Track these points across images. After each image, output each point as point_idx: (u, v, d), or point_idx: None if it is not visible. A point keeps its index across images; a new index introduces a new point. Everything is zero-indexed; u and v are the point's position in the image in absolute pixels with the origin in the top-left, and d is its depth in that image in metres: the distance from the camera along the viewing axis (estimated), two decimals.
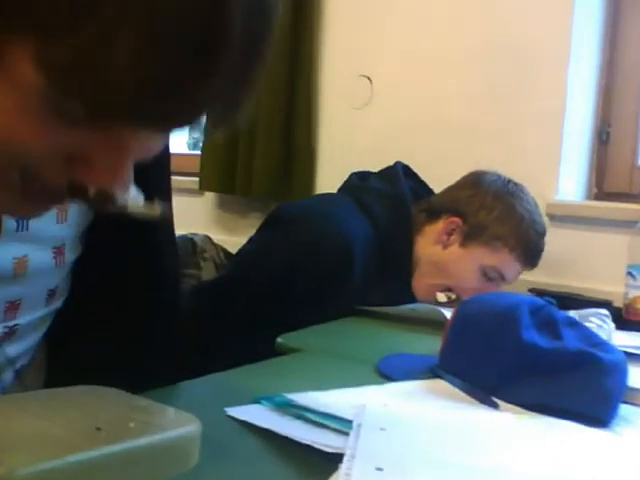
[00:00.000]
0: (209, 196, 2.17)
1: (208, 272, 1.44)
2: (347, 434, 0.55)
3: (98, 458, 0.45)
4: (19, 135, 0.41)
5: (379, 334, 1.19)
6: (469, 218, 1.37)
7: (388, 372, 0.84)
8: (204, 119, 0.44)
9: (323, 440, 0.54)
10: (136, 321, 0.72)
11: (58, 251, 0.65)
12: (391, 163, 1.51)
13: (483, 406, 0.71)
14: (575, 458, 0.60)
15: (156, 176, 0.68)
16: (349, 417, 0.59)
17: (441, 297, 1.40)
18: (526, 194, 1.41)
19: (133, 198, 0.50)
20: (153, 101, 0.38)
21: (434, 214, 1.41)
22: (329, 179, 1.71)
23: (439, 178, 1.47)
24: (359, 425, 0.55)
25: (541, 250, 1.40)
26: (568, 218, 1.61)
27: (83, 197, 0.47)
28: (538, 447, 0.61)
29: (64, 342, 0.70)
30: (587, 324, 0.90)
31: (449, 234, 1.38)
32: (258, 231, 1.42)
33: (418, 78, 1.82)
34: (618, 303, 1.38)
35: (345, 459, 0.49)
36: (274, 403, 0.67)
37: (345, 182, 1.55)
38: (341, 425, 0.58)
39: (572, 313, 0.94)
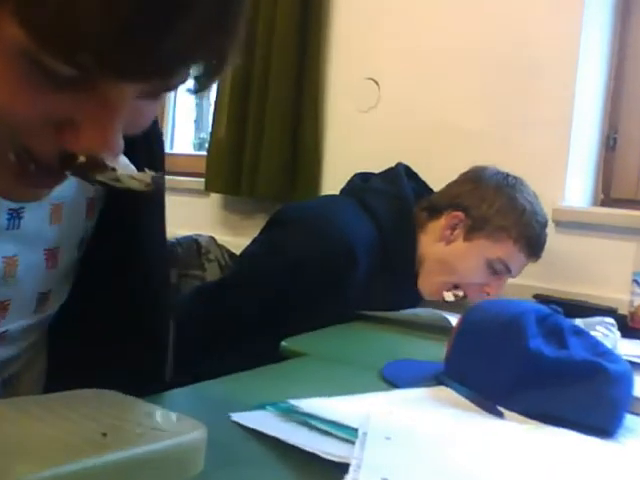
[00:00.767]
0: (214, 197, 2.17)
1: (212, 273, 1.44)
2: (352, 443, 0.55)
3: (104, 465, 0.45)
4: (7, 101, 0.41)
5: (383, 339, 1.19)
6: (471, 211, 1.38)
7: (393, 378, 0.84)
8: (184, 76, 0.44)
9: (328, 449, 0.54)
10: (129, 320, 0.71)
11: (50, 253, 0.64)
12: None
13: (488, 415, 0.70)
14: (580, 468, 0.60)
15: (147, 150, 0.68)
16: (354, 425, 0.59)
17: (448, 296, 1.40)
18: (526, 186, 1.42)
19: (124, 167, 0.50)
20: (128, 48, 0.38)
21: (436, 211, 1.42)
22: (335, 181, 1.71)
23: (445, 182, 1.47)
24: (364, 434, 0.55)
25: (544, 240, 1.40)
26: (574, 224, 1.60)
27: (73, 167, 0.47)
28: (543, 457, 0.61)
29: (63, 346, 0.69)
30: (593, 333, 0.90)
31: (452, 229, 1.39)
32: (261, 232, 1.42)
33: (425, 82, 1.82)
34: (623, 310, 1.38)
35: (351, 469, 0.49)
36: (279, 409, 0.67)
37: (348, 183, 1.55)
38: (346, 433, 0.57)
39: (578, 321, 0.94)
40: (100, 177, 0.48)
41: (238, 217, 2.13)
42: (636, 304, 1.33)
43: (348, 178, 1.58)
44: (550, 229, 1.54)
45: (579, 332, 0.80)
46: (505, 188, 1.39)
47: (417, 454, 0.55)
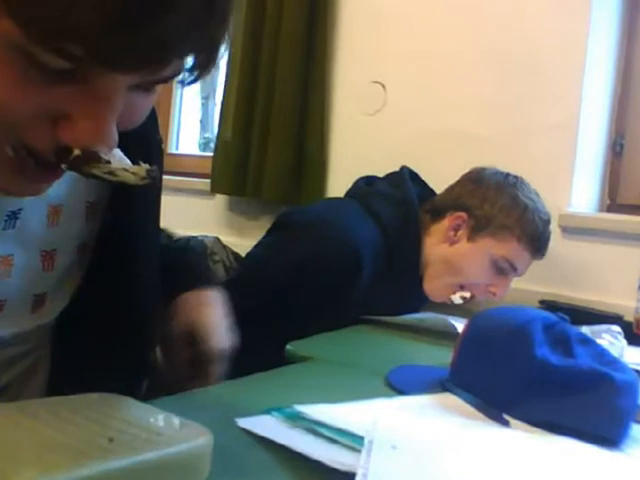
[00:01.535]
0: (220, 198, 2.17)
1: (217, 274, 1.44)
2: (359, 451, 0.55)
3: (110, 471, 0.45)
4: (3, 95, 0.41)
5: (388, 344, 1.19)
6: (474, 211, 1.38)
7: (398, 384, 0.84)
8: (176, 68, 0.44)
9: (335, 457, 0.53)
10: (120, 326, 0.71)
11: (47, 255, 0.64)
12: None
13: (494, 423, 0.70)
14: (585, 478, 0.60)
15: (145, 146, 0.67)
16: (360, 433, 0.59)
17: (456, 299, 1.40)
18: (526, 185, 1.42)
19: (118, 160, 0.50)
20: (116, 37, 0.38)
21: (439, 213, 1.42)
22: (339, 184, 1.71)
23: None
24: (371, 442, 0.55)
25: (548, 238, 1.41)
26: (580, 230, 1.60)
27: (69, 160, 0.47)
28: (548, 466, 0.61)
29: (66, 354, 0.68)
30: (599, 341, 0.90)
31: (456, 230, 1.39)
32: (266, 235, 1.42)
33: (431, 85, 1.82)
34: (629, 317, 1.37)
35: (357, 478, 0.49)
36: (285, 415, 0.67)
37: (352, 187, 1.56)
38: (352, 441, 0.57)
39: (584, 329, 0.93)
40: (95, 171, 0.48)
41: (243, 218, 2.13)
42: None
43: (353, 181, 1.58)
44: (556, 235, 1.54)
45: (585, 340, 0.80)
46: (506, 187, 1.40)
47: (423, 464, 0.55)
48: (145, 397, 1.16)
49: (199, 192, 2.19)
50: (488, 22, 1.74)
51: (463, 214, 1.39)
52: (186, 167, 2.38)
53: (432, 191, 1.54)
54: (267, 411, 0.69)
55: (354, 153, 1.93)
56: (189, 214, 2.07)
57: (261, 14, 2.00)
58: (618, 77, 1.74)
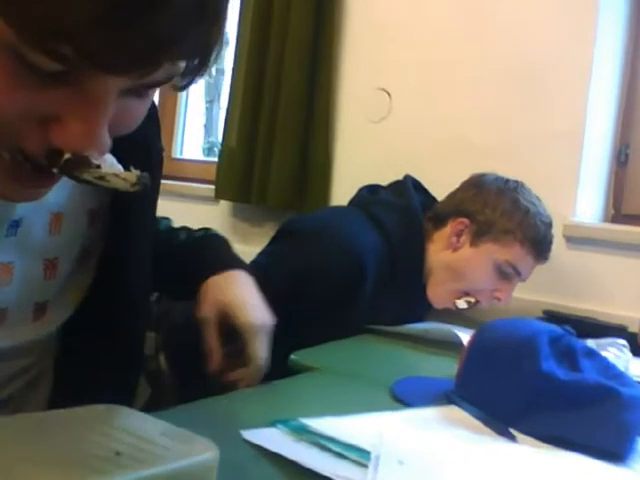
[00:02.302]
0: (224, 204, 2.17)
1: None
2: (365, 465, 0.55)
3: None
4: None
5: (392, 354, 1.19)
6: (476, 217, 1.39)
7: (403, 396, 0.84)
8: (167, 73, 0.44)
9: (341, 472, 0.53)
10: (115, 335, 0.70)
11: (49, 263, 0.63)
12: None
13: (500, 437, 0.70)
14: None
15: (145, 152, 0.67)
16: (367, 447, 0.59)
17: (461, 304, 1.40)
18: (527, 189, 1.43)
19: (109, 165, 0.49)
20: (105, 38, 0.38)
21: (440, 220, 1.43)
22: (344, 192, 1.71)
23: None
24: (377, 457, 0.54)
25: (550, 241, 1.41)
26: (585, 240, 1.59)
27: (60, 164, 0.47)
28: None
29: (68, 367, 0.68)
30: (604, 353, 0.89)
31: (458, 235, 1.40)
32: (270, 243, 1.42)
33: (436, 94, 1.82)
34: (633, 328, 1.37)
35: None
36: (290, 427, 0.67)
37: (355, 195, 1.56)
38: (359, 455, 0.57)
39: (590, 342, 0.93)
40: (86, 176, 0.48)
41: (247, 225, 2.13)
42: None
43: (357, 188, 1.58)
44: (560, 245, 1.54)
45: (591, 353, 0.80)
46: (507, 191, 1.41)
47: (429, 479, 0.55)
48: (148, 404, 1.16)
49: (203, 198, 2.19)
50: (494, 31, 1.74)
51: (465, 220, 1.39)
52: (190, 173, 2.38)
53: (435, 200, 1.54)
54: (272, 423, 0.69)
55: (359, 161, 1.93)
56: (193, 220, 2.06)
57: (267, 21, 2.00)
58: (623, 87, 1.74)
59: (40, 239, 0.62)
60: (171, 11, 0.39)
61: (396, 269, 1.37)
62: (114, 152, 0.62)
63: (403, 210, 1.43)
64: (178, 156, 2.51)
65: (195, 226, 2.04)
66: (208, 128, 3.63)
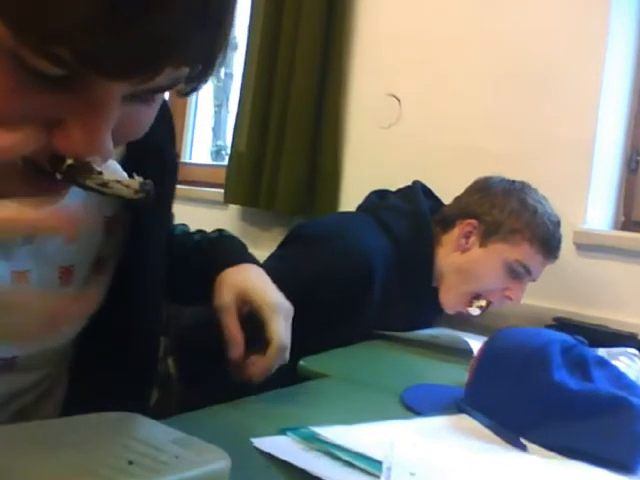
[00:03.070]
0: (233, 209, 2.18)
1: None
2: (376, 476, 0.55)
3: None
4: None
5: (402, 361, 1.19)
6: (484, 217, 1.39)
7: (413, 404, 0.84)
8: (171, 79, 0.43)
9: None
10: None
11: (65, 271, 0.63)
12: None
13: (511, 447, 0.70)
14: None
15: (159, 158, 0.66)
16: (378, 457, 0.59)
17: (474, 310, 1.40)
18: (533, 189, 1.43)
19: (112, 172, 0.48)
20: (103, 41, 0.37)
21: (448, 223, 1.43)
22: (353, 197, 1.71)
23: None
24: (389, 469, 0.54)
25: (559, 239, 1.40)
26: (595, 247, 1.58)
27: (62, 170, 0.46)
28: None
29: (81, 378, 0.68)
30: (615, 362, 0.89)
31: (467, 237, 1.40)
32: (279, 248, 1.42)
33: (446, 101, 1.82)
34: None
35: None
36: (300, 435, 0.67)
37: (364, 201, 1.56)
38: (370, 466, 0.57)
39: (601, 351, 0.93)
40: (89, 182, 0.47)
41: (256, 229, 2.13)
42: None
43: (367, 194, 1.58)
44: (570, 251, 1.54)
45: (603, 363, 0.80)
46: (514, 192, 1.41)
47: None
48: (156, 408, 1.16)
49: (212, 202, 2.19)
50: (504, 38, 1.74)
51: (473, 221, 1.40)
52: (199, 176, 2.38)
53: (444, 205, 1.54)
54: (282, 431, 0.69)
55: (368, 166, 1.93)
56: (201, 223, 2.06)
57: (277, 26, 2.01)
58: (634, 94, 1.73)
59: (56, 246, 0.62)
60: (173, 14, 0.38)
61: (405, 274, 1.37)
62: (125, 157, 0.62)
63: (412, 215, 1.43)
64: (187, 160, 2.52)
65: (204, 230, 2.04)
66: (216, 132, 3.64)
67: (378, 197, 1.54)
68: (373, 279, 1.28)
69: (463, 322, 1.45)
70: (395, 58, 1.91)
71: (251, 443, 0.66)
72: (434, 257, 1.42)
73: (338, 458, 0.61)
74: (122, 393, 0.65)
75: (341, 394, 0.92)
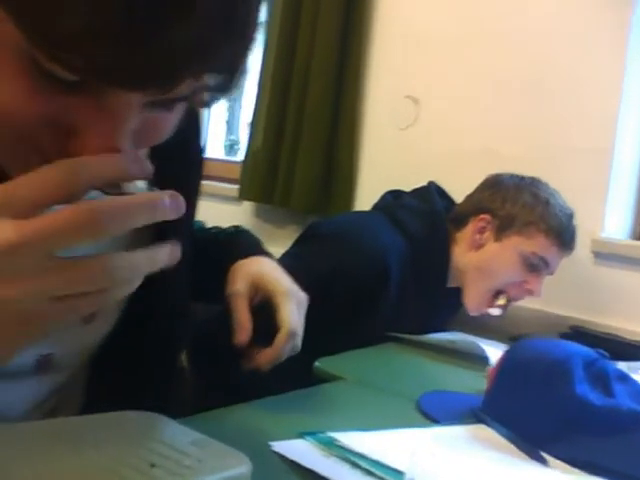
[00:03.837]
0: (247, 205, 2.17)
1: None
2: None
3: None
4: (11, 101, 0.40)
5: (418, 365, 1.18)
6: (497, 212, 1.39)
7: (431, 412, 0.83)
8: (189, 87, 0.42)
9: None
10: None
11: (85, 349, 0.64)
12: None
13: (531, 460, 0.69)
14: None
15: (184, 159, 0.65)
16: (398, 467, 0.58)
17: (495, 310, 1.39)
18: (544, 183, 1.43)
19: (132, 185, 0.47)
20: (117, 53, 0.36)
21: (461, 220, 1.43)
22: (368, 197, 1.70)
23: None
24: None
25: (574, 231, 1.40)
26: (613, 256, 1.57)
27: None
28: None
29: (102, 379, 0.67)
30: (635, 376, 0.88)
31: (481, 233, 1.39)
32: (294, 246, 1.42)
33: (465, 104, 1.80)
34: None
35: None
36: (319, 440, 0.67)
37: (379, 200, 1.56)
38: (391, 475, 0.56)
39: (621, 365, 0.92)
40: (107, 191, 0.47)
41: (270, 226, 2.12)
42: None
43: (382, 194, 1.58)
44: (588, 260, 1.52)
45: (623, 377, 0.79)
46: (525, 186, 1.41)
47: None
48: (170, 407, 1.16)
49: (226, 198, 2.19)
50: (525, 42, 1.72)
51: (486, 216, 1.40)
52: (213, 171, 2.38)
53: (456, 204, 1.53)
54: (301, 435, 0.68)
55: (384, 166, 1.92)
56: (215, 219, 2.07)
57: (295, 26, 2.00)
58: None
59: (76, 331, 0.61)
60: (194, 25, 0.37)
61: (419, 272, 1.37)
62: (149, 151, 0.62)
63: (427, 214, 1.43)
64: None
65: (217, 225, 2.04)
66: (230, 126, 3.64)
67: (393, 197, 1.54)
68: (389, 276, 1.28)
69: (478, 326, 1.44)
70: (413, 59, 1.89)
71: (269, 446, 0.65)
72: (449, 256, 1.41)
73: (358, 466, 0.60)
74: (141, 392, 0.65)
75: (357, 398, 0.92)
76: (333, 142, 1.96)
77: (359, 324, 1.27)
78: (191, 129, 0.70)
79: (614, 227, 1.65)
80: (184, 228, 0.73)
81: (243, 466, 0.52)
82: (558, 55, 1.67)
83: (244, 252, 0.89)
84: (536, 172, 1.62)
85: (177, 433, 0.56)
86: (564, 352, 0.76)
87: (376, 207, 1.54)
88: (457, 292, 1.43)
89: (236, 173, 2.17)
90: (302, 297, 0.85)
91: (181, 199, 0.41)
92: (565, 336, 1.43)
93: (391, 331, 1.32)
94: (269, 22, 2.10)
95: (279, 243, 1.63)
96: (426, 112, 1.87)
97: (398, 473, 0.57)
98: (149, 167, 0.42)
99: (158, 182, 0.50)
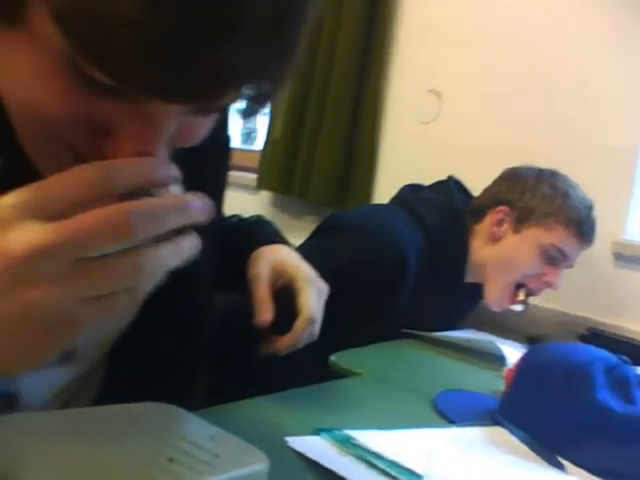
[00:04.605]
0: (265, 195, 2.17)
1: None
2: None
3: None
4: (49, 100, 0.40)
5: (433, 362, 1.17)
6: (515, 203, 1.38)
7: (447, 411, 0.82)
8: (231, 95, 0.41)
9: None
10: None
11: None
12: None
13: (549, 466, 0.68)
14: None
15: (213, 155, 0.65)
16: (415, 468, 0.58)
17: (517, 307, 1.38)
18: (563, 175, 1.42)
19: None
20: (160, 68, 0.36)
21: (479, 213, 1.42)
22: (387, 191, 1.68)
23: None
24: None
25: (593, 223, 1.39)
26: (634, 259, 1.55)
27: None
28: None
29: (118, 371, 0.67)
30: None
31: (499, 225, 1.38)
32: (311, 237, 1.41)
33: (488, 99, 1.78)
34: None
35: None
36: (335, 437, 0.66)
37: (397, 194, 1.55)
38: (407, 476, 0.56)
39: None
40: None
41: (287, 216, 2.12)
42: None
43: (400, 188, 1.56)
44: (609, 262, 1.50)
45: None
46: (544, 178, 1.40)
47: None
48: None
49: (244, 187, 2.18)
50: (550, 38, 1.70)
51: (504, 208, 1.38)
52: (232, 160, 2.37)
53: (474, 198, 1.52)
54: (317, 431, 0.68)
55: (404, 161, 1.90)
56: (232, 208, 2.06)
57: (319, 18, 1.98)
58: None
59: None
60: (242, 41, 0.36)
61: (436, 265, 1.36)
62: None
63: (446, 208, 1.42)
64: None
65: (234, 214, 2.04)
66: None
67: (411, 190, 1.53)
68: (407, 269, 1.27)
69: (495, 325, 1.43)
70: (437, 54, 1.87)
71: (285, 442, 0.65)
72: (467, 249, 1.40)
73: (374, 466, 0.60)
74: (160, 385, 0.64)
75: (373, 395, 0.91)
76: (354, 134, 1.95)
77: (376, 318, 1.26)
78: (219, 120, 0.70)
79: (636, 229, 1.62)
80: (211, 221, 0.72)
81: (260, 463, 0.51)
82: (583, 52, 1.65)
83: (265, 240, 0.89)
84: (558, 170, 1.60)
85: (196, 427, 0.56)
86: (585, 357, 0.75)
87: (394, 200, 1.53)
88: (475, 287, 1.42)
89: (253, 162, 2.16)
90: (323, 285, 0.85)
91: (208, 201, 0.41)
92: (583, 338, 1.42)
93: (408, 325, 1.31)
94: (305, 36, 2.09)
95: (296, 234, 1.62)
96: (449, 106, 1.86)
97: (415, 475, 0.57)
98: (179, 173, 0.42)
99: (187, 173, 0.50)
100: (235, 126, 2.89)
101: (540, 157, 1.64)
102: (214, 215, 0.74)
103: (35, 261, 0.36)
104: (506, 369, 0.95)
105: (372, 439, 0.65)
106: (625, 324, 1.50)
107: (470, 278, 1.42)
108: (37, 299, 0.36)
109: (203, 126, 0.47)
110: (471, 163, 1.75)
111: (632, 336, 1.46)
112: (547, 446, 0.71)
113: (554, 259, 1.35)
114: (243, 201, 2.18)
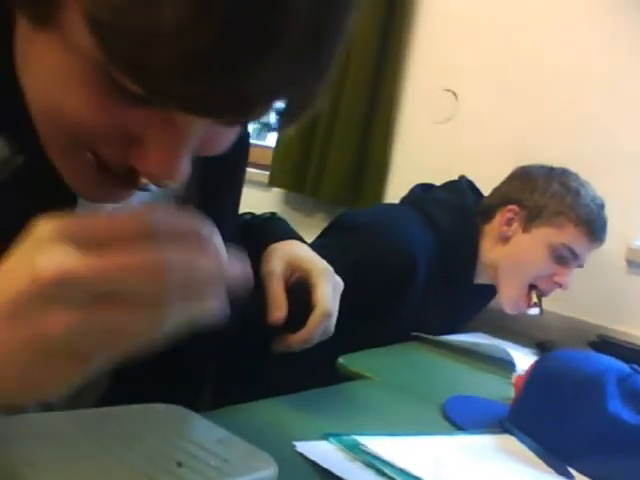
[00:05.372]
0: (276, 192, 2.17)
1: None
2: None
3: None
4: (78, 106, 0.40)
5: (442, 366, 1.17)
6: (525, 202, 1.37)
7: (455, 418, 0.82)
8: (266, 111, 0.41)
9: None
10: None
11: None
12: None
13: (558, 476, 0.68)
14: None
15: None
16: (423, 476, 0.57)
17: (534, 311, 1.37)
18: (574, 173, 1.40)
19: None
20: (196, 84, 0.36)
21: (489, 213, 1.41)
22: (400, 190, 1.67)
23: None
24: None
25: (604, 222, 1.38)
26: None
27: (136, 184, 0.46)
28: None
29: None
30: None
31: (509, 224, 1.37)
32: (322, 236, 1.41)
33: (505, 99, 1.77)
34: None
35: None
36: (343, 443, 0.66)
37: (408, 193, 1.54)
38: None
39: None
40: None
41: (298, 214, 2.12)
42: None
43: (411, 187, 1.56)
44: (621, 268, 1.49)
45: None
46: (554, 176, 1.39)
47: None
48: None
49: (256, 183, 2.18)
50: (570, 43, 1.69)
51: (514, 207, 1.37)
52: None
53: (484, 197, 1.51)
54: (325, 436, 0.68)
55: (418, 161, 1.90)
56: (243, 204, 2.06)
57: None
58: None
59: None
60: (277, 59, 0.36)
61: (446, 266, 1.35)
62: None
63: (457, 208, 1.41)
64: None
65: (245, 210, 2.03)
66: None
67: (423, 190, 1.53)
68: (417, 269, 1.26)
69: (505, 330, 1.42)
70: (454, 53, 1.86)
71: (293, 446, 0.65)
72: (477, 250, 1.39)
73: (383, 473, 0.59)
74: (169, 384, 0.64)
75: (381, 399, 0.91)
76: (367, 134, 1.94)
77: (385, 318, 1.26)
78: None
79: None
80: (232, 216, 0.72)
81: (269, 469, 0.51)
82: (603, 53, 1.64)
83: (279, 236, 0.89)
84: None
85: (204, 430, 0.56)
86: (597, 366, 0.74)
87: (405, 200, 1.53)
88: (484, 288, 1.41)
89: (266, 158, 2.16)
90: (338, 280, 0.84)
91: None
92: (592, 344, 1.41)
93: (417, 326, 1.30)
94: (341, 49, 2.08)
95: (307, 232, 1.61)
96: (465, 106, 1.84)
97: None
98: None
99: (207, 170, 0.49)
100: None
101: (556, 159, 1.63)
102: (235, 212, 0.74)
103: (62, 286, 0.34)
104: (515, 376, 0.94)
105: (381, 445, 0.65)
106: (636, 332, 1.49)
107: (480, 279, 1.41)
108: (56, 325, 0.34)
109: (228, 136, 0.47)
110: (486, 163, 1.74)
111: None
112: (557, 455, 0.70)
113: (564, 259, 1.34)
114: (254, 198, 2.16)
